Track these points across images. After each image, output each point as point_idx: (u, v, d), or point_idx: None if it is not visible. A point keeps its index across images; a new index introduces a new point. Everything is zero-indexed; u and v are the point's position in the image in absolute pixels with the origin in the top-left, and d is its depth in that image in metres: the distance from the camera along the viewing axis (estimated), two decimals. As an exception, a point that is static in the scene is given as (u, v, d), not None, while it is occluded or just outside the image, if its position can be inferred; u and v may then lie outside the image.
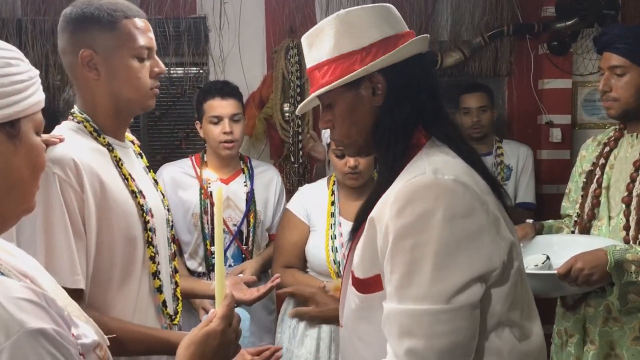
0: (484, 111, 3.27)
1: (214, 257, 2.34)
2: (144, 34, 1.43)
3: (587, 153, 2.18)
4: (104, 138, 1.43)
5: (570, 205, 2.23)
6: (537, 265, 1.94)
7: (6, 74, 0.86)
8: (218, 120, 2.36)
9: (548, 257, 1.96)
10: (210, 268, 2.37)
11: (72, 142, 1.35)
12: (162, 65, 1.47)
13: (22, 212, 0.93)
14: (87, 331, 0.92)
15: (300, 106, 1.41)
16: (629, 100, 1.96)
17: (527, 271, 1.84)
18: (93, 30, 1.38)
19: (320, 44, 1.24)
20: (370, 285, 1.20)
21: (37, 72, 0.94)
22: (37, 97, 0.91)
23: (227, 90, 2.39)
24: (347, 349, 1.32)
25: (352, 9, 1.24)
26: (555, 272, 1.80)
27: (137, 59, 1.41)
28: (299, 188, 2.43)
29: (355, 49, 1.20)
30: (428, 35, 1.26)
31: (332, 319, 1.54)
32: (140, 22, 1.43)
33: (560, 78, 3.63)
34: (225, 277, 2.00)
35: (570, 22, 3.45)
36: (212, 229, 2.38)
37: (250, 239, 2.42)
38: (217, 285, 1.12)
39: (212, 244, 2.36)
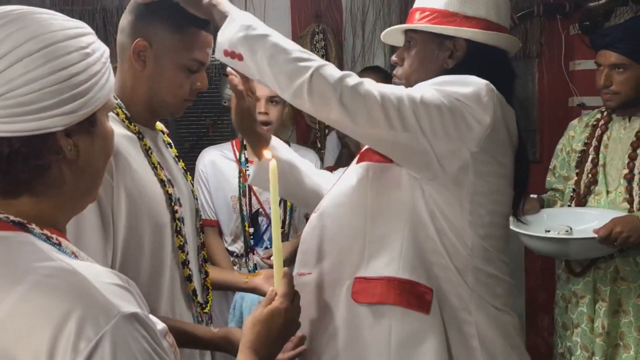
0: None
1: (252, 238, 2.37)
2: (203, 49, 1.41)
3: (576, 133, 2.42)
4: (135, 126, 1.41)
5: (556, 180, 2.47)
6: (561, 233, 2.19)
7: (84, 68, 0.79)
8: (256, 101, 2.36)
9: (570, 228, 2.17)
10: (248, 249, 2.39)
11: None
12: (206, 82, 1.45)
13: (89, 201, 0.90)
14: (154, 318, 0.91)
15: (384, 32, 1.50)
16: (629, 93, 2.21)
17: (567, 236, 2.14)
18: (158, 24, 1.36)
19: None
20: None
21: (107, 49, 0.87)
22: (111, 81, 0.85)
23: None
24: None
25: None
26: (595, 236, 2.01)
27: (186, 69, 1.39)
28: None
29: (459, 12, 1.34)
30: (520, 44, 1.44)
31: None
32: (206, 35, 1.41)
33: (593, 59, 3.53)
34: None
35: (603, 1, 3.35)
36: (250, 211, 2.39)
37: (287, 222, 2.43)
38: (275, 263, 1.13)
39: (251, 225, 2.38)
